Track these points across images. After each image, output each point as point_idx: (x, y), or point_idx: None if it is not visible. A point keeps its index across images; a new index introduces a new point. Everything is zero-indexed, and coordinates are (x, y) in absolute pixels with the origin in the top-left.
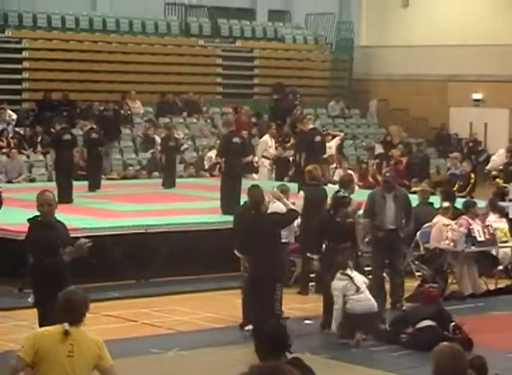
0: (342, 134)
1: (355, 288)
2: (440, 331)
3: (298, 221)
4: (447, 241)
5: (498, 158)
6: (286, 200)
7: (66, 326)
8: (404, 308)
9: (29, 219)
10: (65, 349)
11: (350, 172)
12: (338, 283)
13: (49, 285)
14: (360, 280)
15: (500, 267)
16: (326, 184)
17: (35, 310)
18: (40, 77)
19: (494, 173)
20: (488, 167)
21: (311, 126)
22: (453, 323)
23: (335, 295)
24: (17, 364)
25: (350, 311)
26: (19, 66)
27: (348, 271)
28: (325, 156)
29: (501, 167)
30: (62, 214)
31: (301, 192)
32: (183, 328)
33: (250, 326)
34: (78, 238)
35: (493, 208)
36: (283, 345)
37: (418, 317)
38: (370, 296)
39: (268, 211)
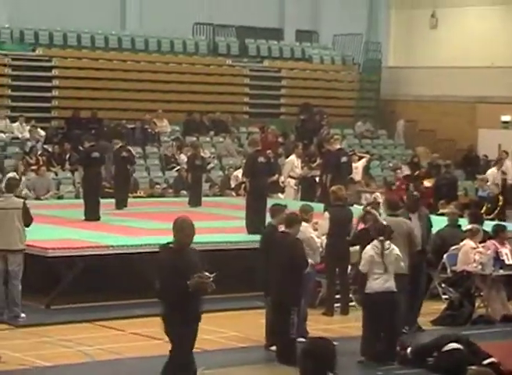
0: (368, 156)
1: (383, 267)
2: (467, 355)
3: (323, 242)
4: (475, 264)
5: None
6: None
7: None
8: (422, 328)
9: (161, 246)
10: None
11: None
12: (371, 249)
13: (176, 311)
14: (392, 261)
15: None
16: (352, 205)
17: (61, 327)
18: (70, 95)
19: None
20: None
21: (338, 146)
22: (489, 360)
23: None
24: None
25: (368, 290)
26: (49, 84)
27: (386, 244)
28: (350, 176)
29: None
30: (88, 231)
31: (326, 213)
32: (208, 347)
33: (274, 347)
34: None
35: None
36: (328, 365)
37: (445, 340)
38: (390, 279)
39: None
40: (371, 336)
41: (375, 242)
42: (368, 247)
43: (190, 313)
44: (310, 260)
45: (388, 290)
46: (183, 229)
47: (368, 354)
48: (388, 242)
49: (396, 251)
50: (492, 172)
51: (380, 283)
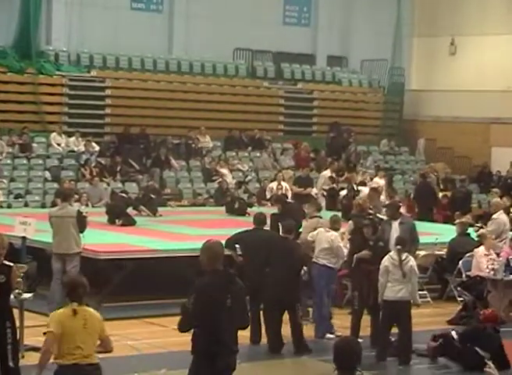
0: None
1: (401, 274)
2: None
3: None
4: (487, 270)
5: None
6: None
7: (75, 306)
8: None
9: None
10: (80, 323)
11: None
12: (387, 260)
13: None
14: (407, 272)
15: None
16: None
17: (111, 323)
18: (121, 113)
19: None
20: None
21: None
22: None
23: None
24: (51, 338)
25: (384, 297)
26: (103, 103)
27: (404, 255)
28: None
29: None
30: (136, 236)
31: (350, 222)
32: (245, 342)
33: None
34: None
35: None
36: (348, 363)
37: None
38: (404, 288)
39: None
40: (383, 331)
41: (392, 253)
42: (385, 257)
43: None
44: (334, 265)
45: (400, 299)
46: None
47: (378, 345)
48: (406, 254)
49: (412, 262)
50: None
51: (393, 292)
